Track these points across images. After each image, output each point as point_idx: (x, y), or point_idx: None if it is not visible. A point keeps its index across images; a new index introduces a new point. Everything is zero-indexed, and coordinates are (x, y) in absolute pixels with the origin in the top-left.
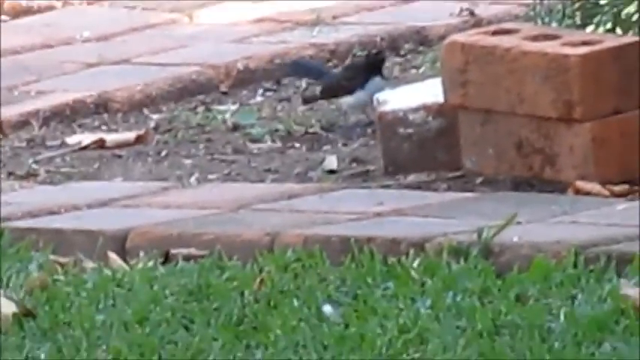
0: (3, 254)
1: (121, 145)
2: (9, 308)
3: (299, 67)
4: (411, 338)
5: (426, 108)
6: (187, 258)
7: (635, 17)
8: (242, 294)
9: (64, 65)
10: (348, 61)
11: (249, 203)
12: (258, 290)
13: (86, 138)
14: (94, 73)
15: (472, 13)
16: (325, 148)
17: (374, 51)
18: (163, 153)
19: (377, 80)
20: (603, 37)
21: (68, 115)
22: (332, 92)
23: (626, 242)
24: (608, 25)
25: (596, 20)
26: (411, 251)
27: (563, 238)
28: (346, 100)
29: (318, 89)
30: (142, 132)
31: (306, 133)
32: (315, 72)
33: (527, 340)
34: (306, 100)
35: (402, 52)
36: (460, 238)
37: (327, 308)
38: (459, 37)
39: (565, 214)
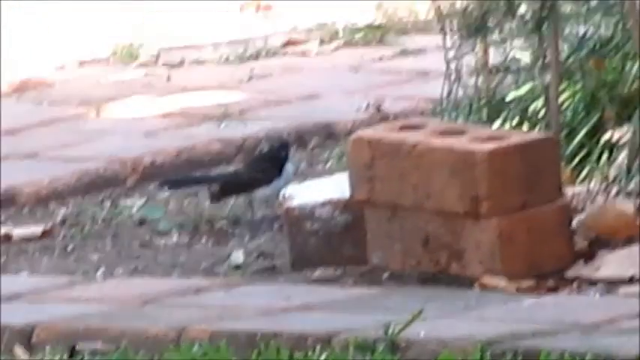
0: None
1: (27, 240)
2: None
3: (176, 183)
4: None
5: (332, 203)
6: (93, 353)
7: (541, 113)
8: None
9: None
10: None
11: (155, 298)
12: None
13: None
14: (1, 167)
15: (379, 109)
16: (232, 243)
17: (278, 143)
18: (70, 247)
19: (289, 167)
20: (510, 133)
21: None
22: (240, 188)
23: (533, 338)
24: (515, 121)
25: (503, 116)
26: (318, 346)
27: (470, 334)
28: (264, 192)
29: (215, 188)
30: (48, 226)
31: (213, 227)
32: (194, 180)
33: None
34: (214, 198)
35: (309, 147)
36: (366, 333)
37: None
38: (366, 133)
39: (471, 309)
